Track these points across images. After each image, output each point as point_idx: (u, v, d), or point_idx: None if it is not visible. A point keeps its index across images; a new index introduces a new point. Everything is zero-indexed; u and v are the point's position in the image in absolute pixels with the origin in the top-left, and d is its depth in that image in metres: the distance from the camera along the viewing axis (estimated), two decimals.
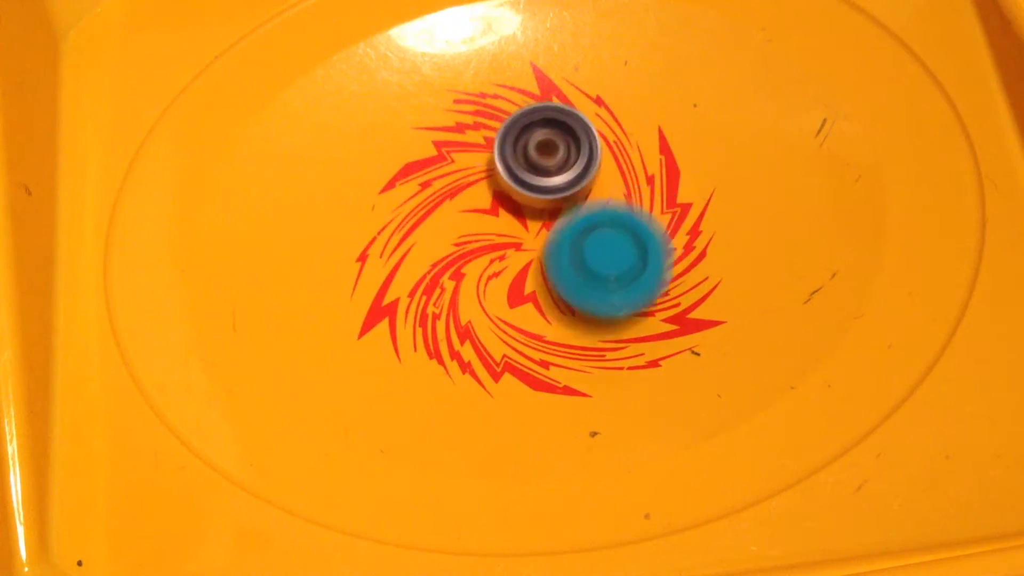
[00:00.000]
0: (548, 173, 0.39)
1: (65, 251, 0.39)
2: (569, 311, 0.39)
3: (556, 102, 0.40)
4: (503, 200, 0.41)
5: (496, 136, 0.40)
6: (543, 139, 0.39)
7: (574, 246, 0.37)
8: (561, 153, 0.39)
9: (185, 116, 0.42)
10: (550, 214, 0.40)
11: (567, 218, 0.38)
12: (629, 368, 0.38)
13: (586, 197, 0.40)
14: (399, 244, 0.40)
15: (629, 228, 0.37)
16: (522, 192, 0.39)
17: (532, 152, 0.39)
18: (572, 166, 0.39)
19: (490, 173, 0.41)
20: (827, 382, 0.37)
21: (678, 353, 0.38)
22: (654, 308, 0.39)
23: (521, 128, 0.40)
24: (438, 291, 0.39)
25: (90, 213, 0.40)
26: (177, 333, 0.39)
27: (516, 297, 0.39)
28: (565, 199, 0.39)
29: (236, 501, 0.36)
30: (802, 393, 0.37)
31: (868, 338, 0.38)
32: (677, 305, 0.39)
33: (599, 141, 0.39)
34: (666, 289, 0.39)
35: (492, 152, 0.40)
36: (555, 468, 0.37)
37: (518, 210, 0.41)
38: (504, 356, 0.39)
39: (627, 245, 0.37)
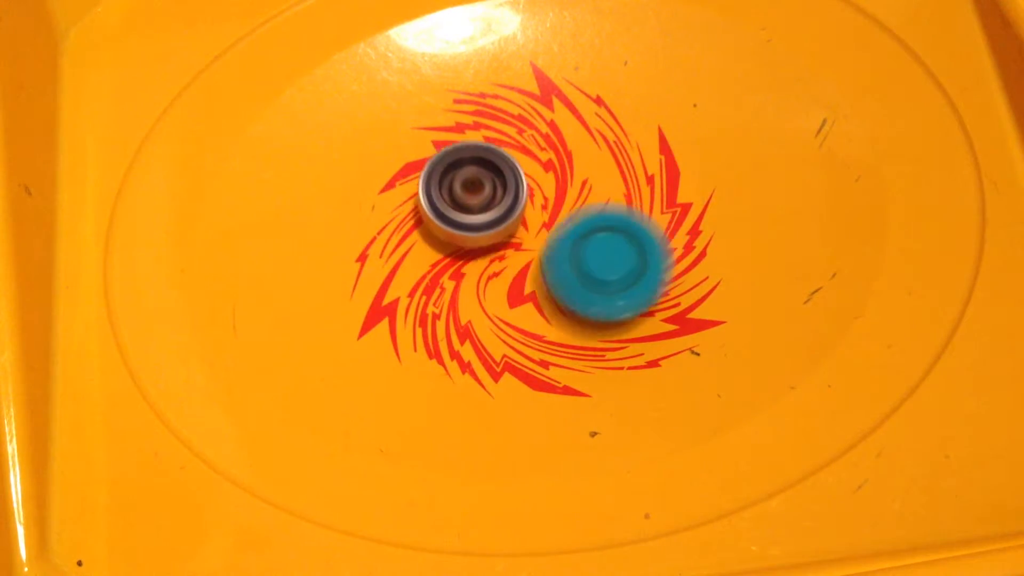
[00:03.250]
0: (471, 211, 0.39)
1: (65, 251, 0.39)
2: (569, 311, 0.39)
3: (482, 142, 0.40)
4: None
5: (422, 173, 0.39)
6: (469, 176, 0.39)
7: (573, 252, 0.37)
8: (487, 191, 0.39)
9: (185, 116, 0.42)
10: (482, 251, 0.40)
11: (564, 224, 0.38)
12: (629, 368, 0.38)
13: (510, 237, 0.40)
14: (399, 244, 0.40)
15: (626, 230, 0.37)
16: (442, 227, 0.38)
17: (458, 189, 0.39)
18: (497, 205, 0.39)
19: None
20: (827, 382, 0.37)
21: (678, 353, 0.38)
22: (654, 308, 0.39)
23: (447, 165, 0.39)
24: (438, 291, 0.39)
25: (90, 213, 0.40)
26: (177, 333, 0.39)
27: (516, 297, 0.39)
28: (489, 236, 0.39)
29: (236, 501, 0.36)
30: (802, 393, 0.37)
31: (868, 338, 0.38)
32: (677, 305, 0.39)
33: (524, 181, 0.39)
34: (666, 289, 0.39)
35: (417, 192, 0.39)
36: (555, 468, 0.37)
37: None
38: (504, 356, 0.39)
39: (626, 248, 0.37)
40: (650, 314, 0.39)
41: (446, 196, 0.39)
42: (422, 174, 0.39)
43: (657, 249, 0.37)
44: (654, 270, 0.37)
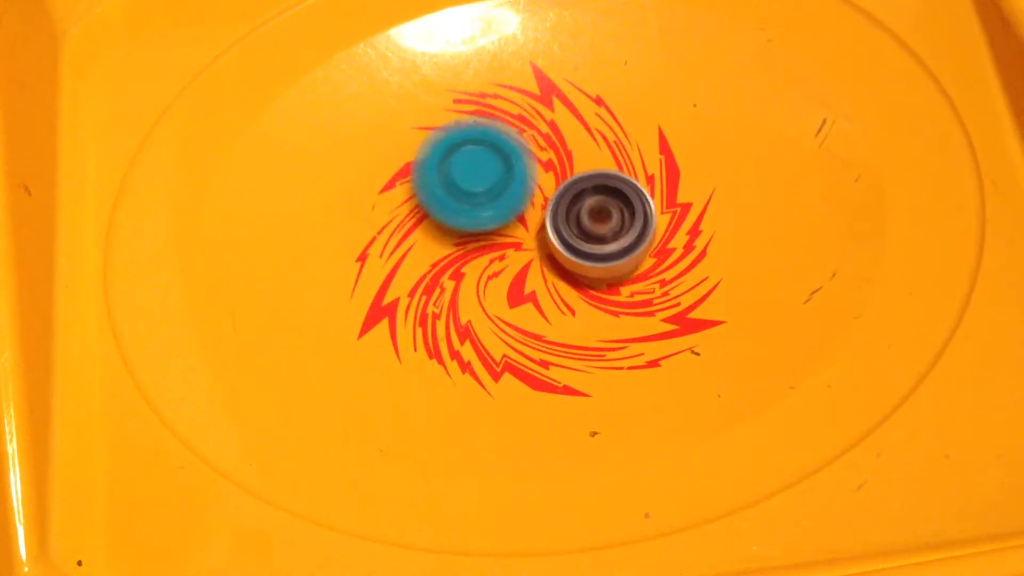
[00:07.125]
0: (602, 240, 0.38)
1: (65, 251, 0.39)
2: (569, 311, 0.39)
3: (609, 170, 0.40)
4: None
5: (548, 205, 0.39)
6: (595, 205, 0.39)
7: (441, 165, 0.38)
8: (615, 220, 0.38)
9: (185, 116, 0.42)
10: (607, 284, 0.40)
11: (430, 140, 0.39)
12: (629, 368, 0.38)
13: (637, 265, 0.40)
14: (399, 244, 0.40)
15: (492, 144, 0.39)
16: (575, 261, 0.38)
17: (585, 219, 0.38)
18: (626, 232, 0.38)
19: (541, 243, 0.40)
20: (827, 382, 0.37)
21: (678, 353, 0.38)
22: (654, 308, 0.39)
23: (573, 196, 0.39)
24: (438, 291, 0.39)
25: (90, 213, 0.40)
26: (177, 333, 0.39)
27: (516, 297, 0.39)
28: (620, 266, 0.38)
29: (236, 501, 0.36)
30: (802, 393, 0.37)
31: (868, 338, 0.38)
32: (677, 305, 0.39)
33: (653, 206, 0.39)
34: (531, 199, 0.40)
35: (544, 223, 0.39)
36: (555, 468, 0.37)
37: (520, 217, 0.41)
38: (504, 356, 0.39)
39: (492, 160, 0.38)
40: (650, 314, 0.39)
41: (574, 228, 0.39)
42: (548, 209, 0.39)
43: (522, 160, 0.38)
44: (519, 181, 0.38)
